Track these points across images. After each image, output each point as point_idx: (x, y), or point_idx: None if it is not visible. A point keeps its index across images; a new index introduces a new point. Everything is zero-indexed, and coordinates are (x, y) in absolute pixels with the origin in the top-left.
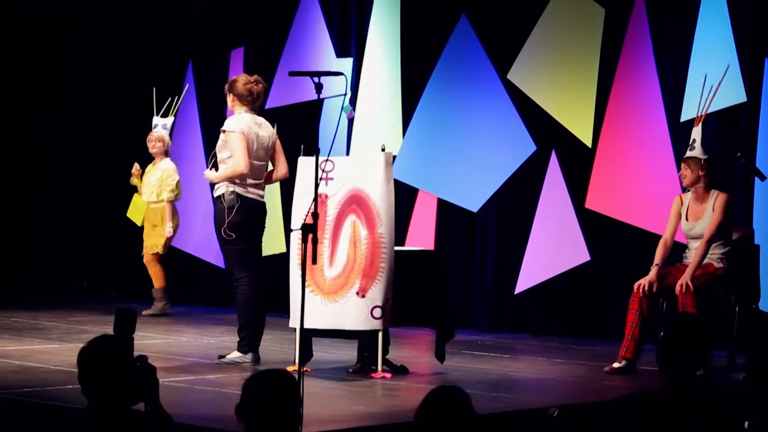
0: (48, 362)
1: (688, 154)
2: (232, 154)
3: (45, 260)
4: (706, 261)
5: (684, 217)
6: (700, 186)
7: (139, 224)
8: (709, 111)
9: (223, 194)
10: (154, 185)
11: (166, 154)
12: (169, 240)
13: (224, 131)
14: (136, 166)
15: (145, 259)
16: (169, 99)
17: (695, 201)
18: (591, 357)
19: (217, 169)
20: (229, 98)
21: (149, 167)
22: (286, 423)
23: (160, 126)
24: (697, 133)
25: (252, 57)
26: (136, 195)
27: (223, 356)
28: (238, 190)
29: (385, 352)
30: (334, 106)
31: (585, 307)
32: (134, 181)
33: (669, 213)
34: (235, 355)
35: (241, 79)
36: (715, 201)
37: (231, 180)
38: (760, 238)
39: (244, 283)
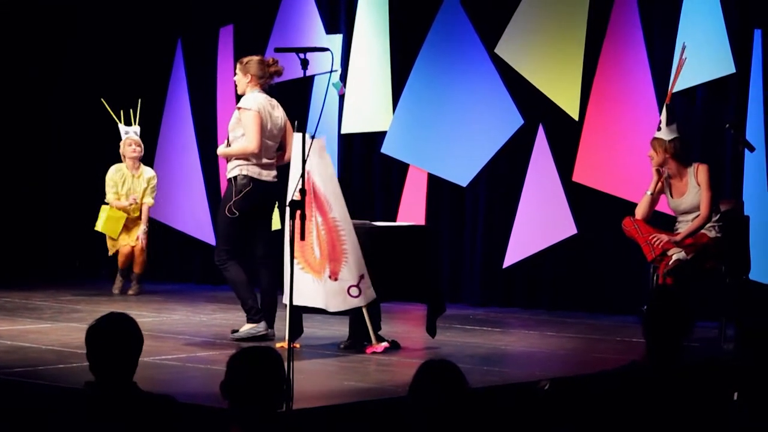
0: (40, 342)
1: (655, 134)
2: (246, 133)
3: (34, 241)
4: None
5: (669, 195)
6: (671, 167)
7: (116, 237)
8: (699, 83)
9: (236, 177)
10: (143, 193)
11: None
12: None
13: (240, 109)
14: (135, 198)
15: (128, 249)
16: (125, 109)
17: (674, 178)
18: (581, 330)
19: (229, 146)
20: (244, 77)
21: (127, 175)
22: (270, 400)
23: (132, 132)
24: (663, 113)
25: (241, 34)
26: (109, 208)
27: (236, 330)
28: (252, 173)
29: (377, 327)
30: (324, 83)
31: (573, 280)
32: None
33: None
34: (246, 327)
35: (260, 61)
36: (698, 174)
37: (246, 162)
38: (750, 209)
39: (225, 258)
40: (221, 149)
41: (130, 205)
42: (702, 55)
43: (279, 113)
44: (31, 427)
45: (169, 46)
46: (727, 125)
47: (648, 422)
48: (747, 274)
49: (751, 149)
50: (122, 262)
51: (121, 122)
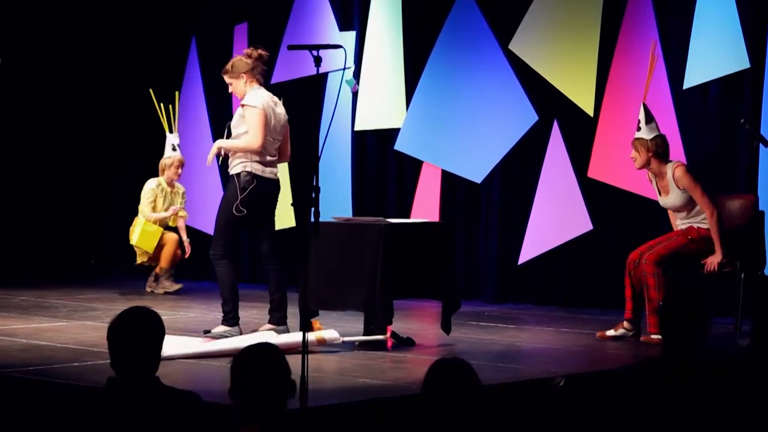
0: (54, 340)
1: (635, 135)
2: (249, 130)
3: (50, 240)
4: (687, 225)
5: (657, 193)
6: (653, 166)
7: (151, 251)
8: (713, 78)
9: (239, 174)
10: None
11: None
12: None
13: (244, 106)
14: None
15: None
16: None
17: (657, 177)
18: (596, 326)
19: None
20: (239, 80)
21: (167, 191)
22: (277, 396)
23: (178, 148)
24: (641, 112)
25: (255, 32)
26: (144, 222)
27: (209, 331)
28: (255, 170)
29: (389, 322)
30: (337, 81)
31: (588, 276)
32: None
33: None
34: (220, 329)
35: (239, 59)
36: (677, 177)
37: (249, 158)
38: (765, 204)
39: (221, 253)
40: (222, 141)
41: (171, 216)
42: (716, 49)
43: (281, 110)
44: (50, 424)
45: (184, 44)
46: (742, 120)
47: (662, 419)
48: (762, 269)
49: (766, 144)
50: (164, 260)
51: (167, 130)
